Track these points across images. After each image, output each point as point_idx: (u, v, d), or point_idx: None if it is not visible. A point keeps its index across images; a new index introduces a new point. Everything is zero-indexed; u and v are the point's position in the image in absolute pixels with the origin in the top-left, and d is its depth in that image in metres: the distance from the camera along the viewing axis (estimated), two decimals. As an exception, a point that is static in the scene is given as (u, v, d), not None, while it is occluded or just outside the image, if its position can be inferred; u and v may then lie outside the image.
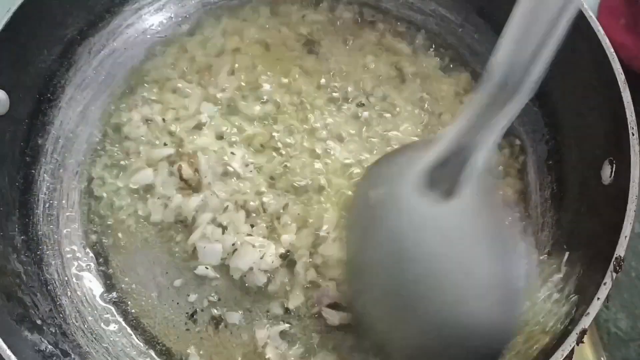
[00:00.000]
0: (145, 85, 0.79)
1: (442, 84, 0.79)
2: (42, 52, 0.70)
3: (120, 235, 0.71)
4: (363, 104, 0.77)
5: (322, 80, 0.79)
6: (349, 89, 0.78)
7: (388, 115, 0.77)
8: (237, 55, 0.80)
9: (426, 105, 0.78)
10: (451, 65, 0.81)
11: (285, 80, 0.78)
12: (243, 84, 0.78)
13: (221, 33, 0.82)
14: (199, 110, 0.77)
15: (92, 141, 0.76)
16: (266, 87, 0.78)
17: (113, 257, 0.70)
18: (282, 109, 0.77)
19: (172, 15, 0.82)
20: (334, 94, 0.78)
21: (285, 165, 0.73)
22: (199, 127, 0.76)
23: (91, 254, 0.70)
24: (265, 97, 0.77)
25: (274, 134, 0.75)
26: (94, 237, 0.71)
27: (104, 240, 0.71)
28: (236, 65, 0.79)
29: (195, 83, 0.79)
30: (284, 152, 0.74)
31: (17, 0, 0.63)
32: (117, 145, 0.75)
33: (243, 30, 0.82)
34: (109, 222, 0.72)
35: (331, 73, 0.79)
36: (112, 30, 0.77)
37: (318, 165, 0.73)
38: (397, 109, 0.77)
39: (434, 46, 0.81)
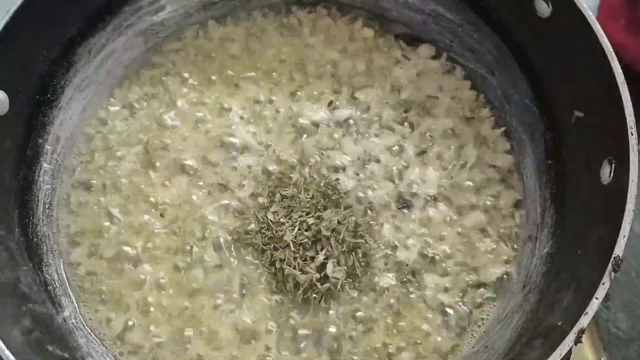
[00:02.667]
0: (146, 85, 0.79)
1: (440, 83, 0.80)
2: (42, 53, 0.70)
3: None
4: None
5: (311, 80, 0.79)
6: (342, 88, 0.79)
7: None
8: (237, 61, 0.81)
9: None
10: (449, 65, 0.81)
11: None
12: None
13: (223, 37, 0.82)
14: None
15: (92, 141, 0.76)
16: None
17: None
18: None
19: (173, 16, 0.82)
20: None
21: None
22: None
23: (91, 254, 0.71)
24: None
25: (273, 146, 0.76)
26: (93, 237, 0.71)
27: (103, 241, 0.71)
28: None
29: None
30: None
31: (17, 0, 0.63)
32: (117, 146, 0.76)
33: (246, 36, 0.82)
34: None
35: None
36: (112, 30, 0.77)
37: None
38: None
39: (432, 46, 0.82)
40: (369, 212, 0.72)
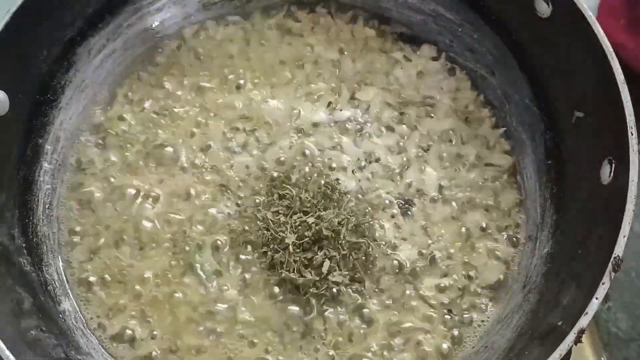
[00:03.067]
0: (146, 86, 0.79)
1: (440, 83, 0.80)
2: (42, 53, 0.70)
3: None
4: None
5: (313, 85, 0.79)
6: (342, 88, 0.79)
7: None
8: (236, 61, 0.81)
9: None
10: (449, 65, 0.81)
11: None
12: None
13: (222, 37, 0.82)
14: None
15: (92, 142, 0.76)
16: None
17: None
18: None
19: (173, 16, 0.82)
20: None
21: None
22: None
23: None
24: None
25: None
26: (93, 237, 0.71)
27: (103, 241, 0.71)
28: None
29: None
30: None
31: (17, 0, 0.64)
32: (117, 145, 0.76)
33: (246, 36, 0.82)
34: (108, 222, 0.72)
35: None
36: (112, 30, 0.77)
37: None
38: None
39: (432, 46, 0.82)
40: (369, 212, 0.72)
